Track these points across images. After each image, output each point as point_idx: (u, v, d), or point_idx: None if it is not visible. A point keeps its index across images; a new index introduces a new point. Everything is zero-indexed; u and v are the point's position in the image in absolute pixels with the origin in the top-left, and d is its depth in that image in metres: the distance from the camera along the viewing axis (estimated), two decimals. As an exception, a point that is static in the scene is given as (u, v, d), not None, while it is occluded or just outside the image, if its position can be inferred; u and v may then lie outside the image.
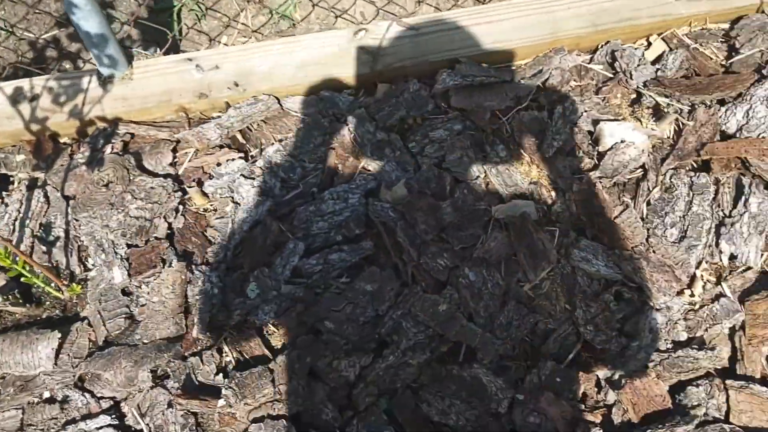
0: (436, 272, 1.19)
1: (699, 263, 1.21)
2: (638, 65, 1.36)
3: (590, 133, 1.32)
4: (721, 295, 1.19)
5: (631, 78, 1.35)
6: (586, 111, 1.33)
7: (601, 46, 1.41)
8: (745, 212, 1.20)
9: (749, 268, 1.20)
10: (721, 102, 1.32)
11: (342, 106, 1.34)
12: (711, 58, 1.39)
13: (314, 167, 1.29)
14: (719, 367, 1.15)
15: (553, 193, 1.27)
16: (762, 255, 1.20)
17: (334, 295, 1.17)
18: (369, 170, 1.28)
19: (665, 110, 1.33)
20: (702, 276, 1.21)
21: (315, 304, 1.16)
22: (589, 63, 1.39)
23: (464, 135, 1.31)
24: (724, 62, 1.38)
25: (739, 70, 1.36)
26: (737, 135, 1.28)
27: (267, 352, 1.15)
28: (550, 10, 1.40)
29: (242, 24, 1.74)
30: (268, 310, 1.16)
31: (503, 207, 1.24)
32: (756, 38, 1.38)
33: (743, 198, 1.20)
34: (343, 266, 1.19)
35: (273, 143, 1.31)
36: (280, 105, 1.35)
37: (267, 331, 1.17)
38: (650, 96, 1.33)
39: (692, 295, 1.20)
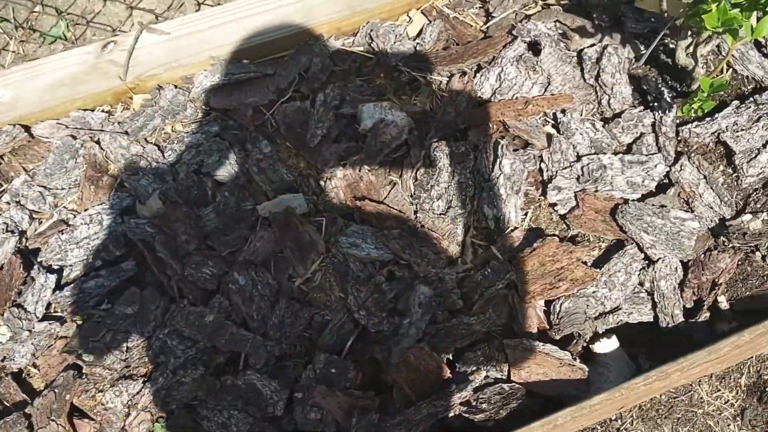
0: (203, 282, 1.16)
1: (467, 230, 1.22)
2: (395, 42, 1.36)
3: (353, 116, 1.31)
4: (493, 257, 1.21)
5: (388, 56, 1.35)
6: (349, 95, 1.32)
7: (362, 28, 1.40)
8: (500, 174, 1.22)
9: (515, 228, 1.22)
10: (479, 68, 1.34)
11: (94, 125, 1.28)
12: (471, 26, 1.41)
13: (68, 192, 1.23)
14: (500, 329, 1.17)
15: (321, 183, 1.25)
16: (522, 213, 1.22)
17: (94, 324, 1.12)
18: (125, 187, 1.23)
19: (423, 85, 1.33)
20: (473, 243, 1.23)
21: (74, 337, 1.11)
22: (350, 46, 1.39)
23: (225, 135, 1.28)
24: (484, 28, 1.40)
25: (494, 34, 1.38)
26: (492, 99, 1.30)
27: (25, 396, 1.09)
28: (304, -3, 1.39)
29: (12, 51, 1.64)
30: (24, 352, 1.10)
31: (269, 204, 1.22)
32: (507, 0, 1.40)
33: (498, 161, 1.22)
34: (101, 292, 1.14)
35: (21, 174, 1.24)
36: (29, 133, 1.28)
37: (27, 374, 1.11)
38: (408, 72, 1.34)
39: (465, 263, 1.21)
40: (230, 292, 1.15)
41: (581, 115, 1.30)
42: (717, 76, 1.26)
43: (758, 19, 1.06)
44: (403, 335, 1.13)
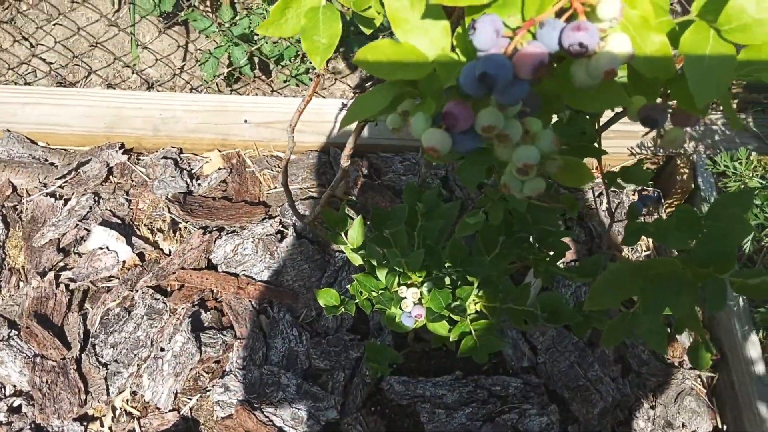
0: None
1: (121, 392, 1.16)
2: (170, 176, 1.35)
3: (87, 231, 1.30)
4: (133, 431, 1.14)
5: (157, 188, 1.34)
6: (103, 209, 1.32)
7: (161, 150, 1.41)
8: (170, 349, 1.15)
9: (167, 410, 1.15)
10: (221, 229, 1.30)
11: None
12: (260, 185, 1.38)
13: None
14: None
15: (21, 283, 1.25)
16: (174, 398, 1.15)
17: None
18: None
19: (180, 227, 1.31)
20: (122, 407, 1.16)
21: None
22: (136, 164, 1.39)
23: (-33, 207, 1.31)
24: (267, 193, 1.37)
25: (270, 203, 1.34)
26: (219, 268, 1.25)
27: None
28: (119, 105, 1.42)
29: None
30: None
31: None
32: (303, 177, 1.36)
33: (175, 334, 1.16)
34: None
35: None
36: None
37: None
38: (167, 210, 1.32)
39: (102, 425, 1.15)
40: None
41: (299, 319, 1.21)
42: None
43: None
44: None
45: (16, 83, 1.73)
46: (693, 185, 1.25)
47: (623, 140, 1.35)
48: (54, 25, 1.82)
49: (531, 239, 0.75)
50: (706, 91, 0.39)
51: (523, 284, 0.72)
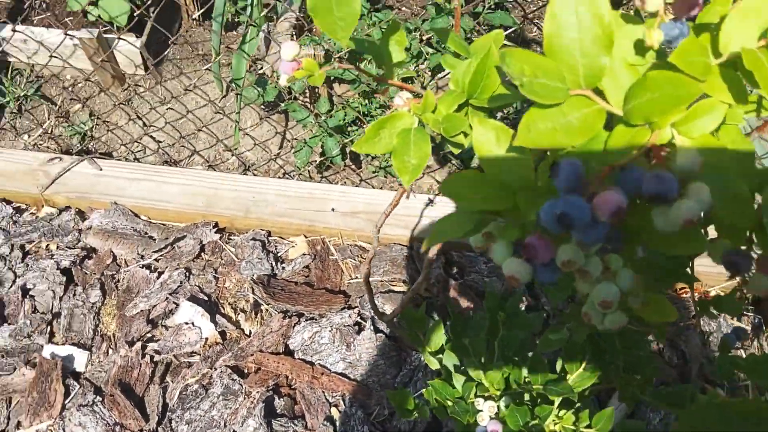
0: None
1: (189, 468, 1.18)
2: (257, 257, 1.41)
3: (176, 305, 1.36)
4: None
5: (244, 268, 1.40)
6: (192, 285, 1.38)
7: (251, 232, 1.48)
8: None
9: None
10: (301, 315, 1.33)
11: (-9, 216, 1.49)
12: (342, 274, 1.41)
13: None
14: None
15: (110, 351, 1.31)
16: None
17: None
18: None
19: (261, 308, 1.35)
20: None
21: None
22: (226, 243, 1.46)
23: (74, 271, 1.40)
24: (348, 282, 1.40)
25: (350, 292, 1.37)
26: (296, 354, 1.28)
27: None
28: (216, 186, 1.51)
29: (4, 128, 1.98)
30: None
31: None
32: (383, 269, 1.39)
33: (242, 417, 1.18)
34: None
35: None
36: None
37: None
38: (251, 291, 1.37)
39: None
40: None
41: (372, 416, 1.21)
42: None
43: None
44: None
45: (126, 159, 1.87)
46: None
47: None
48: (167, 108, 1.97)
49: (617, 362, 0.74)
50: None
51: (607, 408, 0.71)
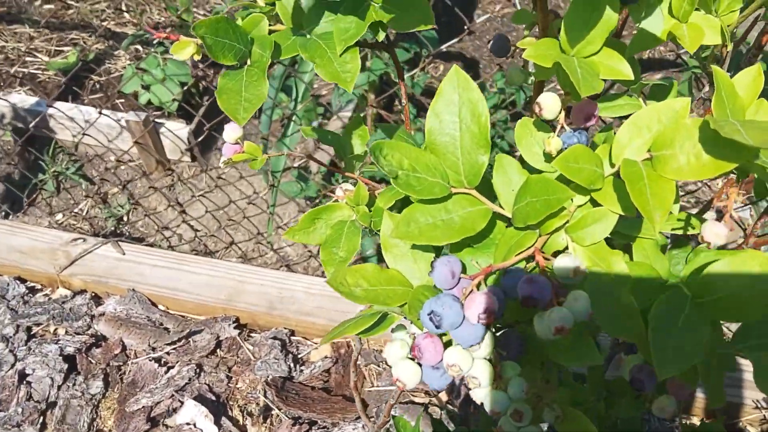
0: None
1: None
2: (274, 357, 1.34)
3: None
4: None
5: (259, 368, 1.33)
6: (202, 383, 1.32)
7: (272, 329, 1.42)
8: None
9: None
10: (313, 423, 1.24)
11: (8, 292, 1.49)
12: (365, 379, 1.32)
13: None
14: None
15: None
16: None
17: None
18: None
19: (272, 413, 1.27)
20: None
21: None
22: (245, 340, 1.41)
23: (78, 358, 1.37)
24: (372, 388, 1.31)
25: (369, 401, 1.27)
26: (303, 469, 1.18)
27: None
28: (242, 279, 1.47)
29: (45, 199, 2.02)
30: None
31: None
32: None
33: None
34: None
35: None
36: None
37: None
38: (263, 393, 1.30)
39: None
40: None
41: None
42: None
43: None
44: None
45: (160, 246, 1.87)
46: None
47: (749, 390, 1.23)
48: (209, 198, 1.99)
49: None
50: (670, 362, 0.40)
51: None
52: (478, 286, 0.41)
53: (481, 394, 0.45)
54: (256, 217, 1.95)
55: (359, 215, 0.56)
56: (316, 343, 1.41)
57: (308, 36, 0.52)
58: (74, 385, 1.31)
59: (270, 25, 0.52)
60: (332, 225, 0.57)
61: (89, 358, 1.37)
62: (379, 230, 0.52)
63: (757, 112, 0.48)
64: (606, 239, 0.47)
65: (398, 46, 2.15)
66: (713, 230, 0.47)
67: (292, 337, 1.43)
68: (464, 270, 0.46)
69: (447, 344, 0.43)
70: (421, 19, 0.52)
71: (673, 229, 0.56)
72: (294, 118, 1.69)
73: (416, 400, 1.28)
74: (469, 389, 0.45)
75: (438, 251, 0.48)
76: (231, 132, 0.55)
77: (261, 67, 0.48)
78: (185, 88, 2.07)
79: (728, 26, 0.56)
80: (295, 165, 2.06)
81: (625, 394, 0.68)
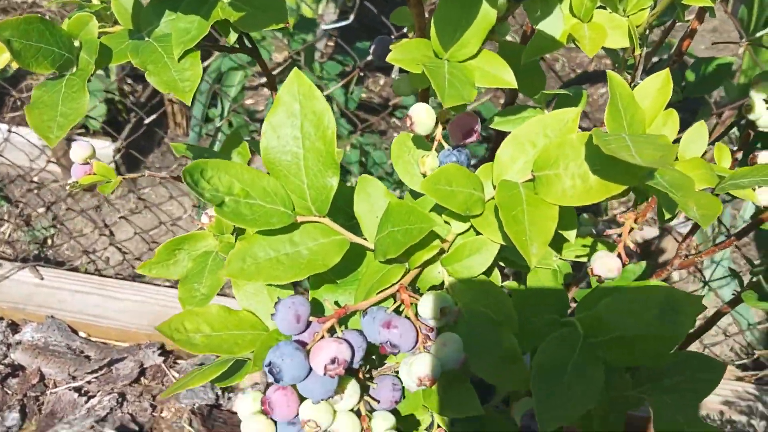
0: None
1: None
2: (200, 386, 1.33)
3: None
4: None
5: (184, 396, 1.32)
6: (125, 412, 1.31)
7: (200, 356, 1.41)
8: None
9: None
10: None
11: None
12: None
13: None
14: None
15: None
16: None
17: None
18: None
19: (197, 444, 1.27)
20: None
21: None
22: (170, 368, 1.40)
23: (-10, 392, 1.34)
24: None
25: None
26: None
27: None
28: (168, 304, 1.46)
29: None
30: None
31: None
32: None
33: None
34: None
35: None
36: None
37: None
38: (188, 423, 1.29)
39: None
40: None
41: None
42: None
43: None
44: None
45: (87, 270, 1.84)
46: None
47: None
48: (139, 218, 1.96)
49: None
50: (557, 411, 0.37)
51: None
52: (331, 330, 0.37)
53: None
54: (187, 238, 1.93)
55: (221, 245, 0.51)
56: (243, 369, 1.41)
57: (146, 39, 0.46)
58: (-13, 418, 1.28)
59: (107, 26, 0.46)
60: (195, 257, 0.51)
61: (5, 389, 1.34)
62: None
63: (665, 124, 0.43)
64: (498, 266, 0.43)
65: (332, 59, 2.17)
66: (605, 263, 0.42)
67: (220, 363, 1.42)
68: (322, 311, 0.41)
69: (303, 399, 0.38)
70: (274, 17, 0.46)
71: (577, 256, 0.52)
72: (219, 135, 1.69)
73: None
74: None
75: (296, 287, 0.43)
76: (79, 150, 0.50)
77: (83, 76, 0.42)
78: (108, 100, 2.04)
79: (637, 27, 0.50)
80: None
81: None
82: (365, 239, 0.41)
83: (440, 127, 0.44)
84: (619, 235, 0.43)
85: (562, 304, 0.46)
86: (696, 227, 0.66)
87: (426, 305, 0.37)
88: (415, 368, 0.35)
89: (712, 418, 1.29)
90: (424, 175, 0.42)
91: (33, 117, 0.41)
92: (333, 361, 0.35)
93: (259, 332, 0.41)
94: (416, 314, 0.38)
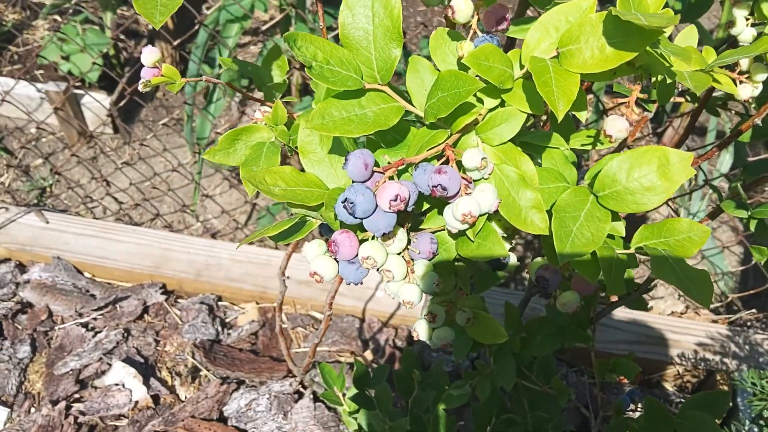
0: None
1: None
2: (201, 321, 1.45)
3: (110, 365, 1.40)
4: None
5: (186, 332, 1.44)
6: (130, 346, 1.42)
7: (200, 296, 1.53)
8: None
9: None
10: (241, 382, 1.36)
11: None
12: (292, 342, 1.45)
13: None
14: None
15: (32, 409, 1.34)
16: None
17: None
18: None
19: (200, 373, 1.39)
20: None
21: None
22: (172, 306, 1.51)
23: (4, 324, 1.45)
24: (299, 349, 1.44)
25: (296, 361, 1.40)
26: (230, 421, 1.30)
27: None
28: (168, 247, 1.57)
29: None
30: None
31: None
32: (330, 339, 1.43)
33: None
34: None
35: None
36: None
37: None
38: (191, 355, 1.41)
39: None
40: None
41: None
42: None
43: None
44: None
45: (83, 216, 1.94)
46: (732, 403, 1.24)
47: (666, 348, 1.39)
48: (134, 170, 2.06)
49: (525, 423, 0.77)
50: (571, 245, 0.45)
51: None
52: (390, 178, 0.45)
53: (395, 287, 0.49)
54: (181, 189, 2.04)
55: (277, 133, 0.59)
56: (243, 308, 1.53)
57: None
58: (1, 350, 1.39)
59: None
60: (251, 146, 0.58)
61: (16, 324, 1.45)
62: (296, 148, 0.55)
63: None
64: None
65: None
66: (615, 125, 0.49)
67: (220, 303, 1.54)
68: (378, 166, 0.49)
69: (362, 242, 0.47)
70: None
71: (582, 145, 0.60)
72: (217, 87, 1.78)
73: (341, 359, 1.41)
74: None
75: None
76: (149, 55, 0.56)
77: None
78: (104, 53, 2.12)
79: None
80: (218, 131, 2.15)
81: (540, 333, 0.75)
82: (415, 108, 0.49)
83: (476, 17, 0.52)
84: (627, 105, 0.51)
85: (572, 178, 0.54)
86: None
87: (470, 156, 0.45)
88: (461, 207, 0.44)
89: (687, 356, 1.41)
90: (459, 60, 0.50)
91: (139, 4, 0.47)
92: (396, 198, 0.42)
93: (322, 191, 0.48)
94: (459, 169, 0.46)
